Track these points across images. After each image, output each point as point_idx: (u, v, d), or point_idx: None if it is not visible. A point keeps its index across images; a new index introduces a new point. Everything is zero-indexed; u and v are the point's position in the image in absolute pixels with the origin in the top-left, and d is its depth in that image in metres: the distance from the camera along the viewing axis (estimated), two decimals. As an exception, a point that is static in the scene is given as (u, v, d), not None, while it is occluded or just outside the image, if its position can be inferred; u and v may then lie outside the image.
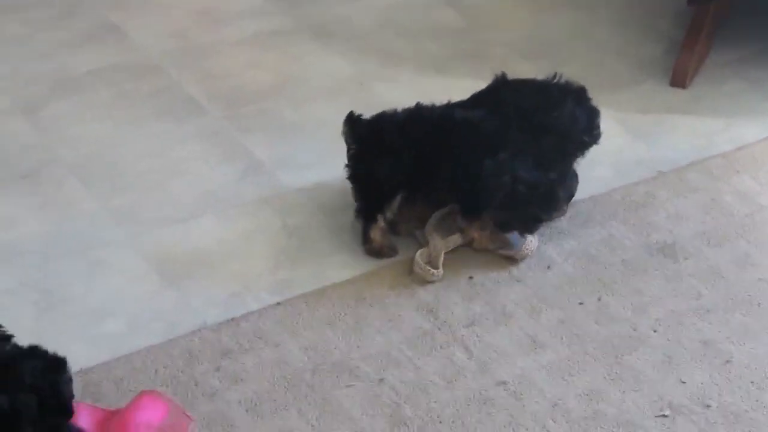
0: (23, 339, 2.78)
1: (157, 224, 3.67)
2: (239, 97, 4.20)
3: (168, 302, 3.39)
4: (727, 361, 3.22)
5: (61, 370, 2.78)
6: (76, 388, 2.80)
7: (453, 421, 3.05)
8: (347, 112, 3.59)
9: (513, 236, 3.53)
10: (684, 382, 3.16)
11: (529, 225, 3.51)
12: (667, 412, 3.07)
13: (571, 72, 3.69)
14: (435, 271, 3.45)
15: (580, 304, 3.39)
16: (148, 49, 4.45)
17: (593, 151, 3.65)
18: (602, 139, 3.65)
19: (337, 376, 3.17)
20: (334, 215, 3.67)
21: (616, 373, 3.18)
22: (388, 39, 4.52)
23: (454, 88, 3.75)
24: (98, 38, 4.50)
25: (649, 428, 3.03)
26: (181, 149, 3.97)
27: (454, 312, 3.36)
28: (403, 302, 3.39)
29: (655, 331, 3.31)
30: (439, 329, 3.31)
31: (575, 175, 3.62)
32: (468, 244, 3.54)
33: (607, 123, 3.67)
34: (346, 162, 3.56)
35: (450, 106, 3.58)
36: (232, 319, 3.33)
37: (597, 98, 3.63)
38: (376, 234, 3.53)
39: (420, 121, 3.53)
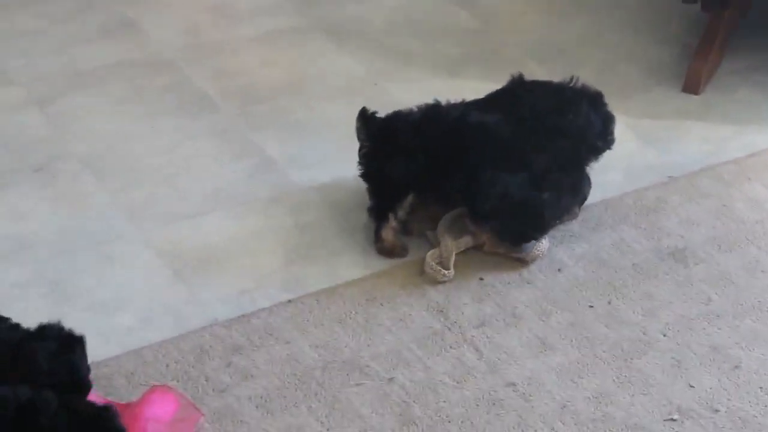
0: (34, 332, 2.80)
1: (168, 219, 3.68)
2: (252, 94, 4.22)
3: (179, 297, 3.40)
4: (736, 367, 3.22)
5: (76, 347, 2.80)
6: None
7: (462, 421, 3.06)
8: (360, 110, 3.60)
9: (523, 239, 3.54)
10: (693, 387, 3.16)
11: (517, 239, 3.52)
12: (675, 416, 3.07)
13: (583, 76, 3.68)
14: (446, 271, 3.46)
15: (590, 307, 3.39)
16: (162, 44, 4.46)
17: (606, 156, 3.65)
18: (614, 144, 3.65)
19: (347, 374, 3.18)
20: (346, 214, 3.68)
21: (626, 376, 3.19)
22: (402, 39, 4.53)
23: (466, 89, 3.76)
24: (113, 33, 4.52)
25: (658, 432, 3.05)
26: (193, 145, 3.98)
27: (465, 313, 3.37)
28: (414, 302, 3.40)
29: (664, 336, 3.31)
30: (449, 329, 3.32)
31: (588, 179, 3.62)
32: (479, 246, 3.55)
33: (618, 128, 3.67)
34: (359, 160, 3.57)
35: (466, 107, 3.58)
36: (243, 316, 3.34)
37: (608, 103, 3.64)
38: (387, 233, 3.54)
39: (435, 121, 3.53)
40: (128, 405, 2.92)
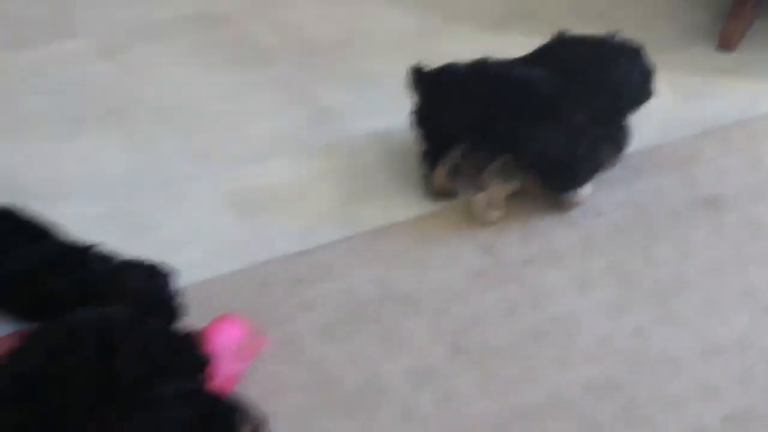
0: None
1: (232, 163, 3.73)
2: (310, 48, 4.25)
3: (243, 234, 3.46)
4: (766, 308, 3.28)
5: (163, 277, 2.89)
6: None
7: (508, 352, 3.13)
8: (412, 64, 3.62)
9: (567, 184, 3.59)
10: (725, 325, 3.22)
11: (557, 188, 3.57)
12: (709, 352, 3.14)
13: (622, 34, 3.70)
14: (494, 213, 3.52)
15: (629, 249, 3.44)
16: (226, 0, 4.49)
17: (644, 109, 3.66)
18: (653, 97, 3.67)
19: (401, 307, 3.24)
20: (399, 159, 3.72)
21: (662, 314, 3.25)
22: None
23: (511, 44, 3.77)
24: (178, -12, 4.56)
25: (692, 365, 3.11)
26: (255, 95, 4.02)
27: (511, 252, 3.42)
28: (463, 241, 3.45)
29: (699, 277, 3.36)
30: (497, 267, 3.37)
31: (627, 130, 3.64)
32: (524, 191, 3.59)
33: (656, 83, 3.68)
34: (412, 108, 3.60)
35: (512, 62, 3.60)
36: (304, 252, 3.40)
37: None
38: (439, 178, 3.59)
39: (482, 75, 3.56)
40: (197, 333, 2.99)
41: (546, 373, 3.08)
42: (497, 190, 3.55)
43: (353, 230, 3.48)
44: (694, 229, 3.53)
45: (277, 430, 2.73)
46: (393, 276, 3.34)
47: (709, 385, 3.07)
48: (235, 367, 2.99)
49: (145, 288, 2.93)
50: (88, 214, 3.11)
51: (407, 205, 3.57)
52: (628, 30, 3.85)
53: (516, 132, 3.51)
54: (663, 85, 3.76)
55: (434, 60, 3.65)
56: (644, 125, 3.76)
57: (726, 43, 4.31)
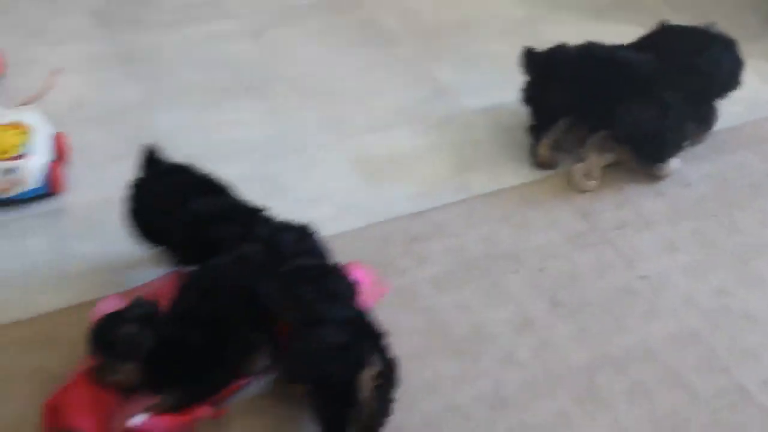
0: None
1: (358, 132, 3.76)
2: (430, 31, 4.25)
3: (367, 195, 3.49)
4: (837, 271, 3.23)
5: (313, 236, 2.95)
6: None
7: (600, 306, 3.12)
8: (521, 47, 3.61)
9: (658, 158, 3.56)
10: (800, 286, 3.17)
11: (648, 160, 3.54)
12: (783, 310, 3.10)
13: (709, 22, 3.67)
14: (591, 182, 3.50)
15: (713, 216, 3.41)
16: (356, -14, 4.52)
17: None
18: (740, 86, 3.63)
19: (505, 264, 3.25)
20: (508, 132, 3.71)
21: (741, 275, 3.21)
22: None
23: (610, 32, 3.75)
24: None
25: (768, 322, 3.08)
26: (380, 72, 4.03)
27: (605, 217, 3.41)
28: (563, 207, 3.45)
29: (777, 243, 3.33)
30: (592, 231, 3.36)
31: (715, 111, 3.62)
32: (620, 163, 3.57)
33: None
34: (522, 86, 3.60)
35: (615, 47, 3.57)
36: (420, 212, 3.41)
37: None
38: (543, 149, 3.58)
39: (589, 57, 3.54)
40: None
41: (633, 325, 3.07)
42: (594, 161, 3.53)
43: (464, 194, 3.49)
44: (772, 200, 3.49)
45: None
46: (499, 236, 3.34)
47: (782, 341, 3.04)
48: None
49: (298, 249, 2.98)
50: (233, 174, 3.14)
51: (513, 174, 3.57)
52: (716, 19, 3.81)
53: (613, 108, 3.49)
54: (748, 70, 3.70)
55: (540, 44, 3.64)
56: (730, 107, 3.70)
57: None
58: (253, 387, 2.88)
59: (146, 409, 2.73)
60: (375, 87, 3.96)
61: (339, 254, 3.15)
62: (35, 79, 3.86)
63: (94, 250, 3.28)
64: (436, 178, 3.56)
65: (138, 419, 2.70)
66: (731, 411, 2.84)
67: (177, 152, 3.21)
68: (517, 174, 3.57)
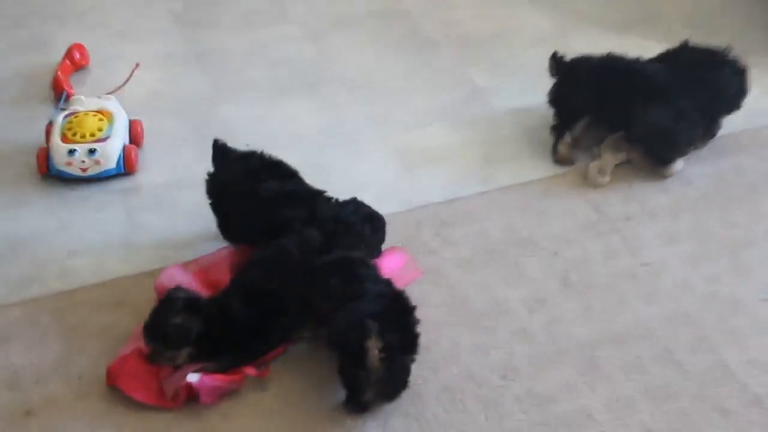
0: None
1: (400, 127, 3.75)
2: (467, 40, 4.21)
3: (405, 184, 3.50)
4: (820, 264, 3.19)
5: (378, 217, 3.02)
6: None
7: (606, 288, 3.12)
8: (549, 56, 3.60)
9: (664, 159, 3.54)
10: (786, 277, 3.14)
11: (658, 159, 3.50)
12: (768, 297, 3.08)
13: (721, 39, 3.61)
14: (604, 178, 3.48)
15: (711, 212, 3.38)
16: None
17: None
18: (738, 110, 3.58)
19: (523, 248, 3.25)
20: (532, 132, 3.69)
21: (734, 265, 3.19)
22: (579, 3, 4.42)
23: (630, 45, 3.69)
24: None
25: (754, 308, 3.06)
26: (422, 75, 4.02)
27: (614, 209, 3.39)
28: (577, 199, 3.43)
29: (766, 237, 3.29)
30: (602, 221, 3.35)
31: (719, 123, 3.58)
32: (630, 161, 3.55)
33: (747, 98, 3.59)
34: (549, 90, 3.58)
35: (634, 59, 3.55)
36: (450, 200, 3.42)
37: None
38: (563, 147, 3.57)
39: (608, 65, 3.53)
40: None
41: (634, 306, 3.06)
42: (608, 159, 3.51)
43: (490, 186, 3.48)
44: (765, 199, 3.44)
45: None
46: (518, 223, 3.34)
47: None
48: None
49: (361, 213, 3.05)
50: (288, 162, 3.17)
51: (535, 169, 3.55)
52: (726, 35, 3.77)
53: (629, 112, 3.47)
54: (750, 81, 3.65)
55: (567, 54, 3.62)
56: (731, 116, 3.62)
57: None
58: (293, 351, 2.91)
59: (198, 370, 2.77)
60: (416, 88, 3.95)
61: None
62: (116, 73, 3.90)
63: (162, 225, 3.32)
64: (466, 170, 3.55)
65: (192, 377, 2.74)
66: (716, 386, 2.84)
67: (239, 141, 3.24)
68: (538, 169, 3.55)
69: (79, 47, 3.97)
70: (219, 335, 2.78)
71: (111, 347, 2.88)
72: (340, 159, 3.59)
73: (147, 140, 3.63)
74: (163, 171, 3.54)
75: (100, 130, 3.49)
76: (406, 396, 2.76)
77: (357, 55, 4.13)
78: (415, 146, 3.66)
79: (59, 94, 3.71)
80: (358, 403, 2.73)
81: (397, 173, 3.54)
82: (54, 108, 3.66)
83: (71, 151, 3.42)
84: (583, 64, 3.57)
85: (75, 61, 3.93)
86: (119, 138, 3.50)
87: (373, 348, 2.61)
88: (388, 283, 2.82)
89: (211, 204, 3.15)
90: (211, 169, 3.16)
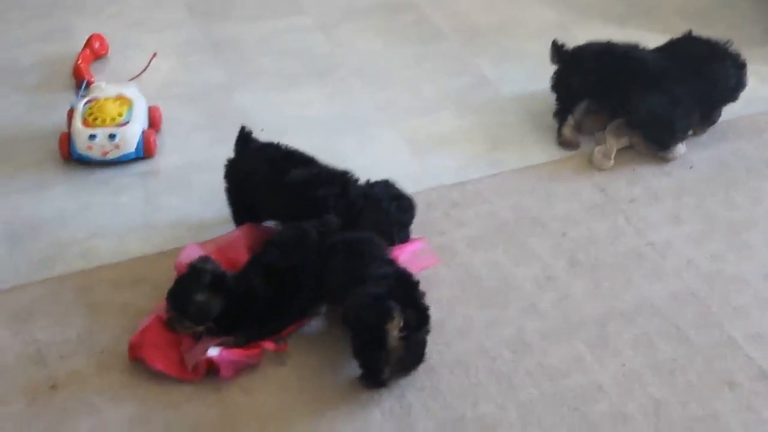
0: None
1: (409, 113, 3.72)
2: (473, 30, 4.19)
3: (415, 168, 3.46)
4: (818, 243, 3.15)
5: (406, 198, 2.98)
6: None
7: (613, 267, 3.08)
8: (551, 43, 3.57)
9: (667, 143, 3.50)
10: (786, 257, 3.10)
11: (658, 143, 3.46)
12: (770, 275, 3.03)
13: (718, 32, 3.59)
14: (608, 162, 3.45)
15: (712, 194, 3.35)
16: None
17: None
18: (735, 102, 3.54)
19: (531, 228, 3.21)
20: (537, 117, 3.66)
21: (736, 244, 3.15)
22: None
23: (630, 36, 3.65)
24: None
25: (757, 285, 3.02)
26: (429, 63, 3.99)
27: (619, 192, 3.36)
28: (583, 182, 3.40)
29: (766, 218, 3.25)
30: (608, 203, 3.32)
31: (719, 111, 3.54)
32: (633, 145, 3.51)
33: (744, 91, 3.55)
34: (551, 76, 3.55)
35: (633, 47, 3.51)
36: (460, 183, 3.38)
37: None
38: (567, 131, 3.53)
39: (608, 52, 3.50)
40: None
41: (640, 284, 3.02)
42: (612, 144, 3.48)
43: (498, 169, 3.45)
44: (764, 182, 3.41)
45: (430, 313, 2.72)
46: (527, 205, 3.30)
47: (768, 300, 2.98)
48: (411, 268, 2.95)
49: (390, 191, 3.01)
50: (301, 146, 3.13)
51: (541, 152, 3.52)
52: (723, 27, 3.75)
53: (629, 98, 3.44)
54: (748, 71, 3.61)
55: (569, 44, 3.58)
56: (730, 103, 3.58)
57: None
58: (309, 327, 2.87)
59: (218, 344, 2.72)
60: (424, 76, 3.92)
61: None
62: (134, 61, 3.87)
63: (179, 206, 3.29)
64: (474, 154, 3.52)
65: (212, 351, 2.70)
66: (722, 360, 2.80)
67: (253, 127, 3.20)
68: (544, 153, 3.51)
69: (99, 37, 3.94)
70: (239, 311, 2.73)
71: (131, 323, 2.84)
72: (352, 144, 3.55)
73: (165, 126, 3.60)
74: (180, 155, 3.50)
75: (120, 115, 3.45)
76: (421, 369, 2.72)
77: (367, 44, 4.09)
78: (425, 132, 3.63)
79: (80, 82, 3.66)
80: (376, 381, 2.68)
81: (407, 158, 3.51)
82: (75, 95, 3.62)
83: (92, 136, 3.37)
84: (584, 51, 3.54)
85: (95, 50, 3.89)
86: (138, 123, 3.46)
87: (393, 329, 2.56)
88: (390, 262, 2.77)
89: (227, 189, 3.11)
90: (231, 155, 3.11)
